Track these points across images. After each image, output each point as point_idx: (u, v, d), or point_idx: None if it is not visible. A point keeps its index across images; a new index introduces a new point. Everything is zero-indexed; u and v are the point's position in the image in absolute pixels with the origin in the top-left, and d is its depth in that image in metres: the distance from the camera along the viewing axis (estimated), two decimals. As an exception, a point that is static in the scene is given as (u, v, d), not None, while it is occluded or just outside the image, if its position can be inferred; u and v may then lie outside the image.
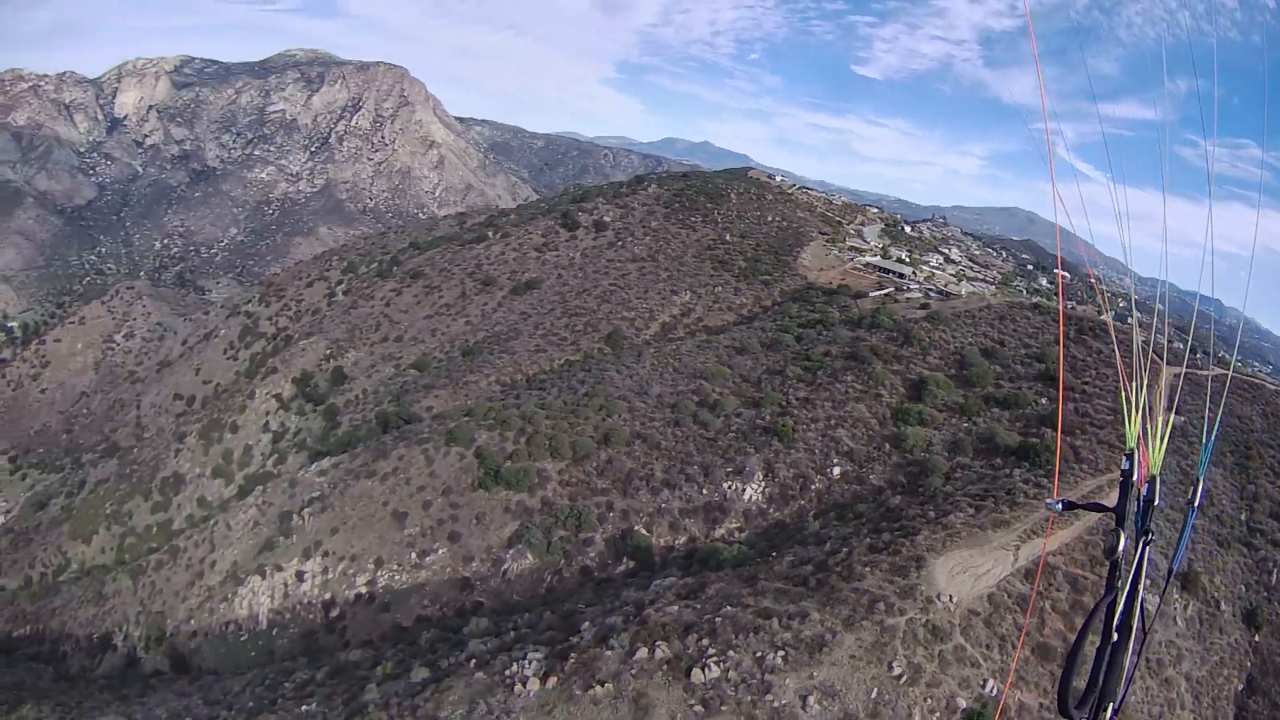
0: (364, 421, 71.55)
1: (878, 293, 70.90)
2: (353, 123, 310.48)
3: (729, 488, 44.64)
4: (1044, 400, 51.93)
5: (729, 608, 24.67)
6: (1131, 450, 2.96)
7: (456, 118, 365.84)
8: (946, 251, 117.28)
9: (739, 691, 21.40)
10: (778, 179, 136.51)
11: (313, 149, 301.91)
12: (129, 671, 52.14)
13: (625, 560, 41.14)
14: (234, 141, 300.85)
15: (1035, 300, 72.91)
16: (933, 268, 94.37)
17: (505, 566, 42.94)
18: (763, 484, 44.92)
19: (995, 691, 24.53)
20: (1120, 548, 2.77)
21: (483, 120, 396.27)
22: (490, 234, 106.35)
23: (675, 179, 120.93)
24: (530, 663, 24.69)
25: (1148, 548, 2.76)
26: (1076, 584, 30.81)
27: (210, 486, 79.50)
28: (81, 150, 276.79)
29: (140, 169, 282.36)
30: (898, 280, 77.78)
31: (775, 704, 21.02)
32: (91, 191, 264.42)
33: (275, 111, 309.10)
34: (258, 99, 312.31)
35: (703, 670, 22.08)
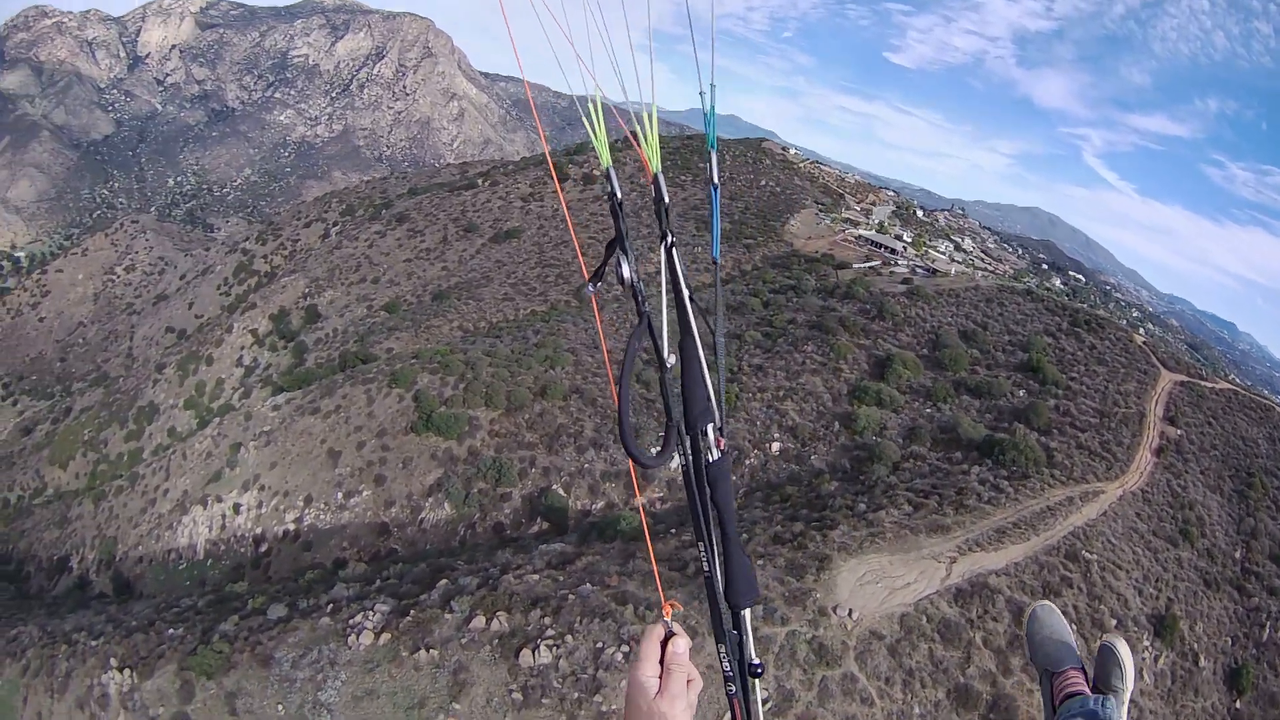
0: (328, 360, 70.62)
1: (862, 265, 67.24)
2: (375, 71, 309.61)
3: (656, 453, 41.69)
4: (1021, 392, 48.10)
5: (587, 585, 21.95)
6: (607, 169, 2.51)
7: (482, 73, 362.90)
8: (958, 240, 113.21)
9: (565, 685, 18.79)
10: (791, 151, 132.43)
11: (333, 95, 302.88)
12: (79, 593, 52.58)
13: (539, 520, 38.92)
14: (255, 84, 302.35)
15: (1029, 287, 68.16)
16: (939, 253, 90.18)
17: (423, 515, 41.36)
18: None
19: None
20: (628, 274, 2.39)
21: (509, 76, 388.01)
22: (480, 182, 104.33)
23: (673, 138, 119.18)
24: (374, 615, 23.20)
25: (674, 250, 2.39)
26: (1021, 615, 25.98)
27: (181, 418, 79.67)
28: (102, 86, 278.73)
29: (159, 107, 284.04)
30: (887, 255, 73.58)
31: (603, 708, 18.20)
32: (109, 127, 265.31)
33: (298, 56, 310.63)
34: (281, 43, 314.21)
35: (533, 653, 19.58)
